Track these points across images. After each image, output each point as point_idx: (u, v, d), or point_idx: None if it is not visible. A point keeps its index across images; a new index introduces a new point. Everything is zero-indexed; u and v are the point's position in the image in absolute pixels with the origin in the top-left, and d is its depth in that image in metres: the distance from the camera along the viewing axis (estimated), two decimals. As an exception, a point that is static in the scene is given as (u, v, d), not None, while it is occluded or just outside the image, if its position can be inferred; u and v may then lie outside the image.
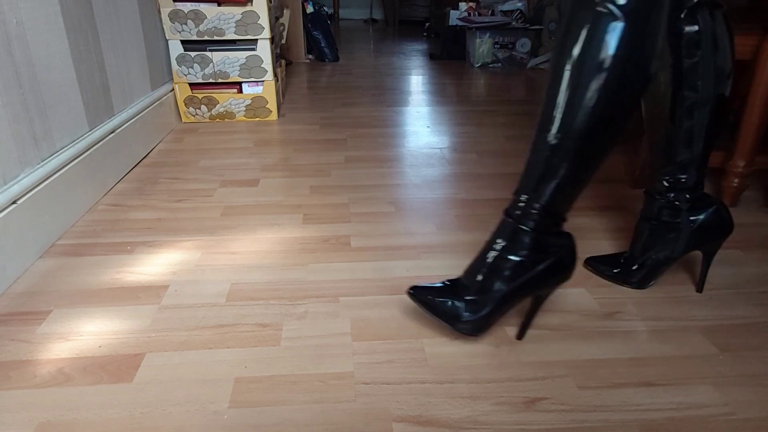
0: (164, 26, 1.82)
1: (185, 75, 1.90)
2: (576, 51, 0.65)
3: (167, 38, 1.84)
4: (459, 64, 3.18)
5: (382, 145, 1.72)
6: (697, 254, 0.94)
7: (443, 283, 0.81)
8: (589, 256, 1.03)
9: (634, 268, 0.94)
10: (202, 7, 1.81)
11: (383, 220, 1.21)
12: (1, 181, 0.97)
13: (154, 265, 1.02)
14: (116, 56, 1.46)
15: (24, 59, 1.03)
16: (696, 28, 0.79)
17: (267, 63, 1.92)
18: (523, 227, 0.73)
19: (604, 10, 0.62)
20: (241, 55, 1.90)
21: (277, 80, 2.05)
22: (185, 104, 1.94)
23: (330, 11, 5.47)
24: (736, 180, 1.26)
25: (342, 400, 0.70)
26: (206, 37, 1.86)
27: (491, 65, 3.13)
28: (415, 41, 4.15)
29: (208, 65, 1.89)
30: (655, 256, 0.91)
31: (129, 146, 1.49)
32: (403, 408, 0.69)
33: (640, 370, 0.75)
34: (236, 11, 1.83)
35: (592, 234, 1.14)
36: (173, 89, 1.91)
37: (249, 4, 1.83)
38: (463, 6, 3.32)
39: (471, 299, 0.76)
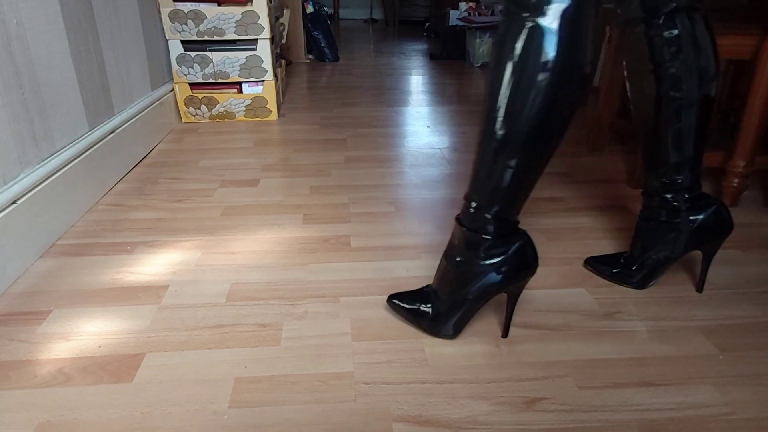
0: (164, 26, 1.82)
1: (185, 75, 1.90)
2: (510, 64, 0.65)
3: (167, 38, 1.84)
4: (459, 64, 3.18)
5: (382, 145, 1.72)
6: (697, 254, 0.94)
7: (419, 289, 0.85)
8: (589, 256, 1.03)
9: (634, 268, 0.94)
10: (202, 7, 1.81)
11: (383, 220, 1.21)
12: (1, 181, 0.97)
13: (154, 265, 1.02)
14: (116, 56, 1.46)
15: (24, 59, 1.03)
16: (675, 32, 0.80)
17: (267, 63, 1.92)
18: (477, 234, 0.74)
19: (532, 23, 0.63)
20: (241, 55, 1.90)
21: (277, 80, 2.05)
22: (185, 104, 1.94)
23: (330, 11, 5.47)
24: (736, 180, 1.26)
25: (342, 400, 0.70)
26: (206, 37, 1.86)
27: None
28: (415, 41, 4.15)
29: (208, 65, 1.89)
30: (655, 256, 0.91)
31: (129, 146, 1.49)
32: (403, 408, 0.69)
33: (640, 370, 0.75)
34: (236, 11, 1.83)
35: (592, 234, 1.14)
36: (173, 89, 1.91)
37: (249, 4, 1.83)
38: (463, 6, 3.32)
39: (440, 304, 0.80)
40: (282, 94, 2.33)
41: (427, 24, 4.57)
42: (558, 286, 0.95)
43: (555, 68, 0.63)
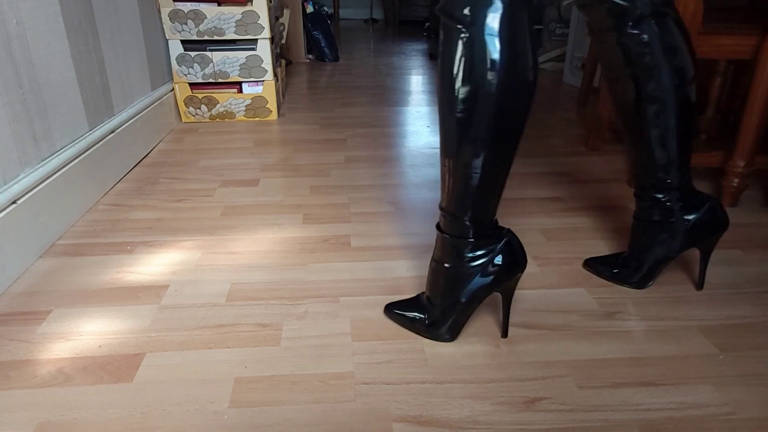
0: (164, 26, 1.82)
1: (185, 75, 1.90)
2: (452, 77, 0.67)
3: (167, 38, 1.84)
4: (459, 64, 3.17)
5: (382, 145, 1.72)
6: (696, 253, 0.94)
7: (415, 296, 0.86)
8: (588, 257, 1.03)
9: (633, 268, 0.94)
10: (202, 7, 1.81)
11: (383, 220, 1.21)
12: (1, 181, 0.97)
13: (154, 265, 1.02)
14: (116, 56, 1.46)
15: (24, 59, 1.03)
16: (645, 38, 0.80)
17: (267, 63, 1.92)
18: (458, 239, 0.75)
19: (467, 36, 0.64)
20: (241, 55, 1.90)
21: (277, 80, 2.05)
22: (185, 104, 1.94)
23: (330, 11, 5.47)
24: (736, 180, 1.26)
25: (342, 400, 0.70)
26: (206, 37, 1.86)
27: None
28: (415, 41, 4.15)
29: (208, 65, 1.89)
30: (652, 256, 0.91)
31: (129, 146, 1.49)
32: (403, 408, 0.69)
33: (640, 370, 0.75)
34: (236, 11, 1.83)
35: (592, 234, 1.14)
36: (173, 89, 1.91)
37: (249, 4, 1.83)
38: (463, 6, 3.31)
39: (434, 310, 0.80)
40: (282, 94, 2.33)
41: (427, 24, 4.57)
42: (558, 286, 0.95)
43: (495, 77, 0.65)
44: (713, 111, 1.56)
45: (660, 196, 0.88)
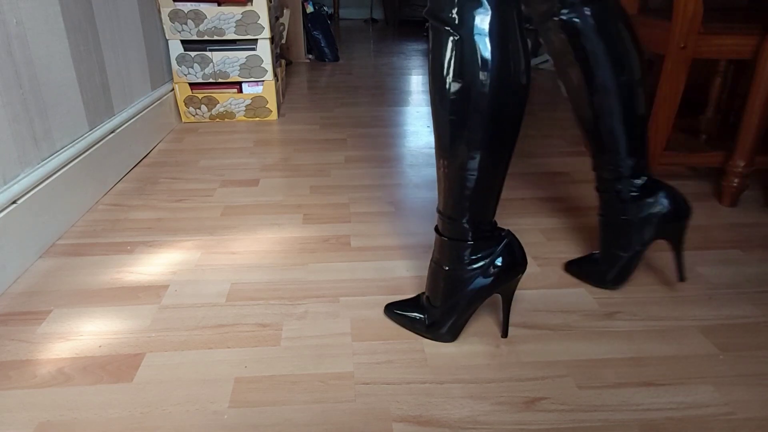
0: (164, 26, 1.82)
1: (185, 75, 1.90)
2: (442, 79, 0.67)
3: (167, 38, 1.84)
4: (459, 64, 3.17)
5: (382, 145, 1.72)
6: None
7: (415, 297, 0.86)
8: (569, 260, 1.03)
9: (605, 267, 0.93)
10: (202, 7, 1.81)
11: (383, 220, 1.21)
12: (1, 181, 0.97)
13: (154, 265, 1.02)
14: (116, 56, 1.46)
15: (24, 59, 1.03)
16: (578, 24, 0.81)
17: (267, 63, 1.92)
18: (457, 241, 0.75)
19: (456, 37, 0.65)
20: (241, 55, 1.90)
21: (277, 80, 2.05)
22: (185, 104, 1.94)
23: (330, 11, 5.47)
24: (736, 180, 1.26)
25: (342, 400, 0.70)
26: (206, 37, 1.86)
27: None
28: (415, 41, 4.15)
29: (208, 65, 1.89)
30: (619, 252, 0.90)
31: (129, 146, 1.49)
32: (403, 408, 0.69)
33: (640, 370, 0.75)
34: (236, 11, 1.83)
35: (592, 234, 1.14)
36: (173, 89, 1.91)
37: (249, 4, 1.83)
38: (463, 6, 3.31)
39: (434, 311, 0.80)
40: (282, 94, 2.33)
41: (427, 24, 4.57)
42: (558, 286, 0.95)
43: (487, 78, 0.65)
44: (713, 111, 1.56)
45: (618, 187, 0.88)
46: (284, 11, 2.87)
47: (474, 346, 0.80)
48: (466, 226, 0.73)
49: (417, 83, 2.66)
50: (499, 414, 0.68)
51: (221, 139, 1.79)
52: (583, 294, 0.93)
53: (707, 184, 1.40)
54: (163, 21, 1.82)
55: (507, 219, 1.21)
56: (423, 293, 0.84)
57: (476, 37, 0.64)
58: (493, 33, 0.64)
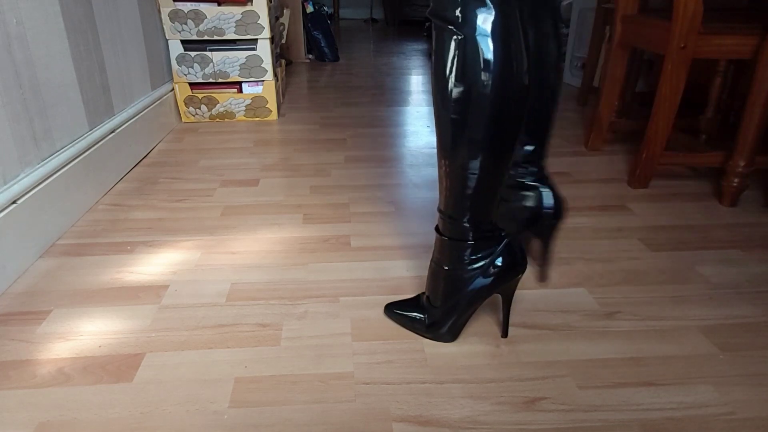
0: (164, 26, 1.82)
1: (185, 75, 1.90)
2: (446, 78, 0.67)
3: (167, 38, 1.84)
4: (459, 64, 3.17)
5: (382, 145, 1.72)
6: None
7: (415, 297, 0.86)
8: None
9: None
10: (202, 6, 1.81)
11: (383, 220, 1.21)
12: (1, 180, 0.97)
13: (154, 265, 1.02)
14: (116, 56, 1.46)
15: (24, 59, 1.03)
16: None
17: (267, 63, 1.92)
18: (458, 241, 0.75)
19: (460, 36, 0.65)
20: (241, 55, 1.90)
21: (277, 80, 2.05)
22: (185, 104, 1.94)
23: (330, 11, 5.47)
24: (736, 180, 1.26)
25: (342, 400, 0.70)
26: (206, 37, 1.86)
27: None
28: (415, 41, 4.15)
29: (208, 65, 1.89)
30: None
31: (129, 146, 1.49)
32: (403, 408, 0.69)
33: (640, 370, 0.75)
34: (236, 11, 1.83)
35: (592, 234, 1.14)
36: (173, 89, 1.91)
37: (249, 3, 1.83)
38: (463, 6, 3.31)
39: (434, 311, 0.80)
40: (282, 94, 2.33)
41: (427, 24, 4.57)
42: (558, 286, 0.95)
43: (489, 78, 0.65)
44: (713, 111, 1.56)
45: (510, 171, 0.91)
46: (284, 11, 2.87)
47: (474, 346, 0.80)
48: (466, 225, 0.73)
49: (417, 83, 2.66)
50: (499, 414, 0.68)
51: (221, 139, 1.79)
52: (583, 294, 0.93)
53: (707, 184, 1.40)
54: (163, 21, 1.82)
55: (507, 219, 1.21)
56: (423, 293, 0.84)
57: (479, 37, 0.64)
58: (496, 32, 0.64)
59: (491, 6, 0.64)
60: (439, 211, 0.76)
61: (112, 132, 1.40)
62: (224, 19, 1.83)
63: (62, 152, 1.16)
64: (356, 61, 3.29)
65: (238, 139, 1.79)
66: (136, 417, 0.67)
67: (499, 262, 0.74)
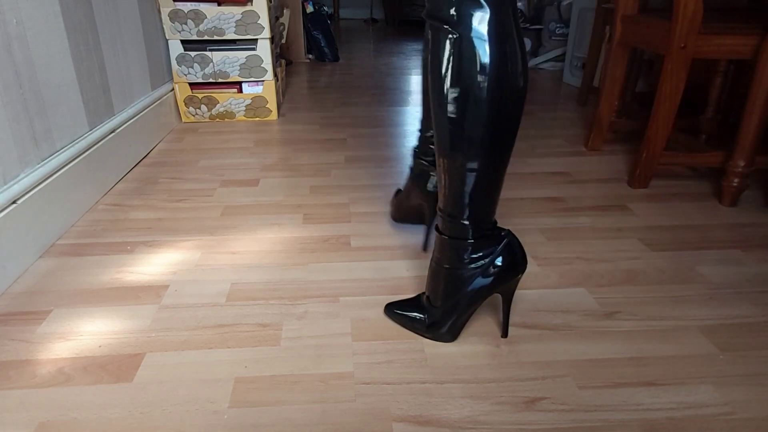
0: (164, 26, 1.82)
1: (185, 75, 1.90)
2: (442, 77, 0.68)
3: (167, 38, 1.84)
4: (459, 64, 3.17)
5: (382, 145, 1.72)
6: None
7: (415, 296, 0.86)
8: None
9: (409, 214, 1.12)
10: (202, 6, 1.81)
11: (383, 220, 1.21)
12: (1, 181, 0.97)
13: (154, 265, 1.02)
14: (116, 56, 1.46)
15: (24, 59, 1.03)
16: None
17: (267, 63, 1.92)
18: (458, 240, 0.75)
19: (455, 35, 0.66)
20: (241, 55, 1.90)
21: (277, 80, 2.05)
22: (185, 104, 1.94)
23: (330, 11, 5.46)
24: (736, 180, 1.26)
25: (342, 400, 0.70)
26: (206, 37, 1.86)
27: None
28: (415, 41, 4.15)
29: (208, 65, 1.89)
30: (409, 207, 1.07)
31: (129, 146, 1.49)
32: (403, 408, 0.69)
33: (640, 370, 0.75)
34: (236, 11, 1.83)
35: (592, 234, 1.14)
36: (173, 89, 1.91)
37: (249, 3, 1.83)
38: (463, 6, 3.31)
39: (434, 311, 0.80)
40: (282, 94, 2.33)
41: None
42: (558, 286, 0.95)
43: (485, 75, 0.65)
44: (713, 111, 1.56)
45: (426, 159, 1.01)
46: (284, 11, 2.87)
47: (474, 346, 0.80)
48: (466, 223, 0.73)
49: (417, 83, 2.66)
50: (499, 414, 0.68)
51: (221, 139, 1.79)
52: (583, 294, 0.93)
53: (707, 184, 1.40)
54: (163, 21, 1.82)
55: (507, 219, 1.21)
56: (423, 293, 0.84)
57: (475, 35, 0.65)
58: (491, 31, 0.65)
59: (486, 5, 0.64)
60: (439, 209, 0.76)
61: (112, 132, 1.40)
62: (224, 19, 1.83)
63: (62, 152, 1.16)
64: (356, 61, 3.29)
65: (238, 139, 1.79)
66: (136, 417, 0.67)
67: (499, 261, 0.74)
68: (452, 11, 0.65)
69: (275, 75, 2.00)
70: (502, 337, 0.82)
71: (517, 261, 0.75)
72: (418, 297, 0.85)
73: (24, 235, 1.00)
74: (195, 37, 1.85)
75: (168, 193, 1.35)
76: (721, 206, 1.27)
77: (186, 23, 1.82)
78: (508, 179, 1.43)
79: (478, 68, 0.65)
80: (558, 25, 2.93)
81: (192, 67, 1.89)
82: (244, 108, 1.98)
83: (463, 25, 0.65)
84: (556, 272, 1.00)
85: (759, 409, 0.69)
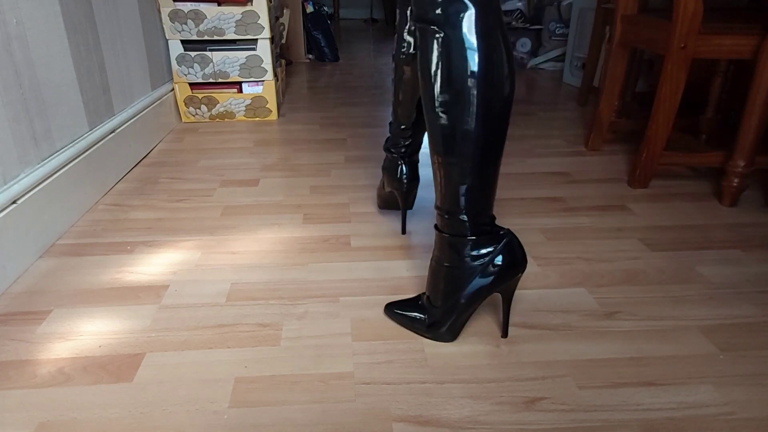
0: (164, 26, 1.82)
1: (185, 75, 1.90)
2: (432, 76, 0.70)
3: (167, 38, 1.84)
4: (459, 64, 3.17)
5: (381, 145, 1.72)
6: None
7: (415, 297, 0.86)
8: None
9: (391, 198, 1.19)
10: (202, 6, 1.81)
11: (383, 220, 1.21)
12: (1, 181, 0.97)
13: (154, 265, 1.02)
14: (116, 56, 1.46)
15: (24, 59, 1.03)
16: (413, 40, 0.90)
17: (267, 63, 1.92)
18: (457, 237, 0.75)
19: (442, 35, 0.68)
20: (241, 55, 1.90)
21: (277, 80, 2.05)
22: (185, 104, 1.94)
23: (330, 11, 5.47)
24: (736, 180, 1.26)
25: (342, 400, 0.70)
26: (206, 37, 1.86)
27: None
28: (415, 41, 4.14)
29: (208, 65, 1.89)
30: (392, 191, 1.13)
31: (129, 146, 1.49)
32: (403, 408, 0.69)
33: (640, 370, 0.75)
34: (236, 11, 1.83)
35: (592, 234, 1.14)
36: (173, 89, 1.91)
37: (249, 3, 1.83)
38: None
39: (434, 311, 0.80)
40: (282, 94, 2.33)
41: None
42: (558, 286, 0.95)
43: (473, 70, 0.67)
44: (713, 111, 1.56)
45: (400, 151, 1.09)
46: (284, 11, 2.87)
47: (474, 346, 0.80)
48: (463, 219, 0.74)
49: (417, 83, 2.65)
50: (499, 414, 0.68)
51: (221, 139, 1.79)
52: (583, 294, 0.93)
53: (707, 184, 1.40)
54: (163, 21, 1.82)
55: (507, 219, 1.21)
56: (423, 293, 0.84)
57: (461, 33, 0.67)
58: (477, 27, 0.67)
59: (470, 4, 0.66)
60: (437, 207, 0.77)
61: (112, 132, 1.40)
62: (224, 19, 1.83)
63: (62, 152, 1.16)
64: (356, 61, 3.29)
65: (238, 139, 1.79)
66: (136, 417, 0.67)
67: (498, 260, 0.74)
68: (438, 11, 0.67)
69: (275, 75, 2.00)
70: (502, 337, 0.82)
71: (516, 260, 0.75)
72: (418, 297, 0.85)
73: (24, 235, 1.00)
74: (195, 37, 1.85)
75: (168, 193, 1.35)
76: (721, 206, 1.27)
77: (186, 23, 1.82)
78: (509, 179, 1.43)
79: (466, 63, 0.67)
80: (558, 25, 2.93)
81: (192, 67, 1.89)
82: (244, 108, 1.99)
83: (449, 23, 0.67)
84: (556, 272, 1.00)
85: (759, 409, 0.69)
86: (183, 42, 1.85)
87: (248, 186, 1.40)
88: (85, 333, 0.83)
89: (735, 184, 1.26)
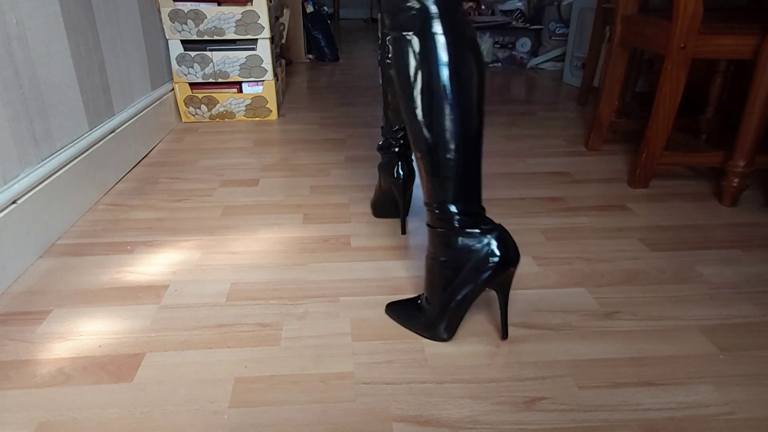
0: (164, 26, 1.82)
1: (185, 75, 1.90)
2: (409, 73, 0.73)
3: (167, 38, 1.84)
4: (459, 64, 3.17)
5: (382, 145, 1.72)
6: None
7: (414, 297, 0.87)
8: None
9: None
10: (202, 6, 1.81)
11: (383, 220, 1.21)
12: (1, 180, 0.97)
13: (154, 265, 1.02)
14: (116, 56, 1.46)
15: (24, 59, 1.03)
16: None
17: (267, 63, 1.92)
18: (449, 230, 0.75)
19: (411, 37, 0.72)
20: (241, 55, 1.90)
21: (277, 80, 2.05)
22: (185, 104, 1.94)
23: (330, 11, 5.46)
24: (736, 180, 1.26)
25: (342, 400, 0.70)
26: (206, 37, 1.86)
27: (491, 65, 3.13)
28: (415, 41, 4.14)
29: (208, 65, 1.89)
30: (385, 184, 1.13)
31: (129, 146, 1.49)
32: (403, 408, 0.69)
33: (640, 370, 0.75)
34: (236, 11, 1.83)
35: (592, 234, 1.14)
36: (173, 89, 1.91)
37: (249, 3, 1.83)
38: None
39: (431, 310, 0.80)
40: (282, 94, 2.33)
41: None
42: (558, 286, 0.95)
43: (444, 65, 0.71)
44: (713, 111, 1.56)
45: (392, 150, 1.10)
46: (284, 11, 2.88)
47: (474, 346, 0.80)
48: (453, 211, 0.74)
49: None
50: (499, 414, 0.68)
51: (221, 139, 1.79)
52: (583, 294, 0.93)
53: (707, 184, 1.40)
54: (163, 21, 1.82)
55: (507, 219, 1.21)
56: (423, 294, 0.84)
57: (428, 33, 0.71)
58: (444, 26, 0.71)
59: (435, 6, 0.71)
60: (426, 204, 0.78)
61: (112, 132, 1.40)
62: (224, 19, 1.83)
63: (62, 152, 1.16)
64: (356, 61, 3.29)
65: (238, 139, 1.79)
66: (136, 417, 0.67)
67: (492, 253, 0.74)
68: (405, 15, 0.72)
69: (275, 75, 2.00)
70: (502, 337, 0.82)
71: (509, 254, 0.75)
72: (418, 297, 0.85)
73: (24, 235, 1.00)
74: (195, 37, 1.85)
75: (168, 193, 1.35)
76: (721, 206, 1.27)
77: (186, 23, 1.82)
78: (509, 179, 1.44)
79: (437, 63, 0.71)
80: (558, 25, 2.93)
81: (192, 67, 1.89)
82: (244, 108, 1.99)
83: (418, 26, 0.71)
84: (556, 272, 1.00)
85: (759, 409, 0.69)
86: (183, 42, 1.85)
87: (248, 186, 1.40)
88: (85, 333, 0.83)
89: (735, 184, 1.26)
